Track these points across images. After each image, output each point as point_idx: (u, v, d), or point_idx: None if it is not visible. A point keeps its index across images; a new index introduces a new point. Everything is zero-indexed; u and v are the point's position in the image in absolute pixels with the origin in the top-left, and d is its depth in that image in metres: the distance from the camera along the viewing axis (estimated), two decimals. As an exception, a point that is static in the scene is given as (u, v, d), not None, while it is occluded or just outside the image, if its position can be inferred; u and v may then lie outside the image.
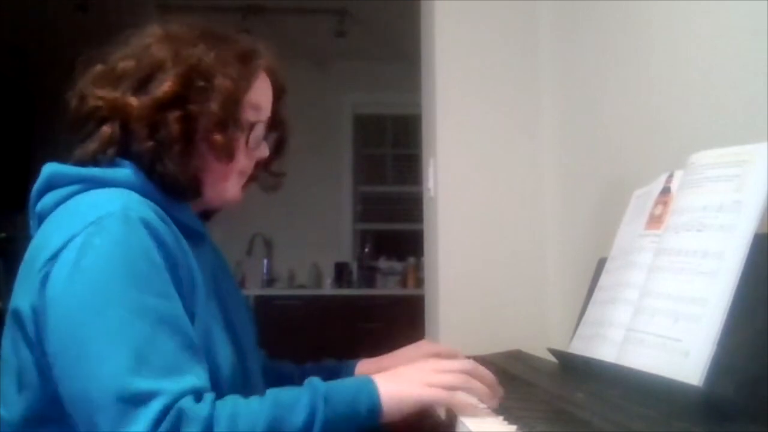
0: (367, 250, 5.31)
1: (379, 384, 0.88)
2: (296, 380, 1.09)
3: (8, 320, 0.92)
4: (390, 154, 5.63)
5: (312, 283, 5.12)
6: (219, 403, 0.82)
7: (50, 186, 0.97)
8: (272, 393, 0.86)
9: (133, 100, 0.98)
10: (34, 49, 4.61)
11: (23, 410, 0.90)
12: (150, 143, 0.97)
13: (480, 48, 1.94)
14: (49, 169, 0.98)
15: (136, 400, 0.78)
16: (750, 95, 1.00)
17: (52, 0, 4.01)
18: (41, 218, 0.96)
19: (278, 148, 1.16)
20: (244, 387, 0.96)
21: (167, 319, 0.85)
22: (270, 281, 5.09)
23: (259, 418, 0.81)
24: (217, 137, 1.00)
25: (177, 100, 0.98)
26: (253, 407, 0.83)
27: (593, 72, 1.65)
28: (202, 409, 0.80)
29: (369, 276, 5.13)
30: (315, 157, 5.05)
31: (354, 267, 5.17)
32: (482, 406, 0.93)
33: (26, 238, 0.98)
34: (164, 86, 0.98)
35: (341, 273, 5.10)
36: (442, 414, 1.02)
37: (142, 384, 0.79)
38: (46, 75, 5.18)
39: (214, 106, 0.99)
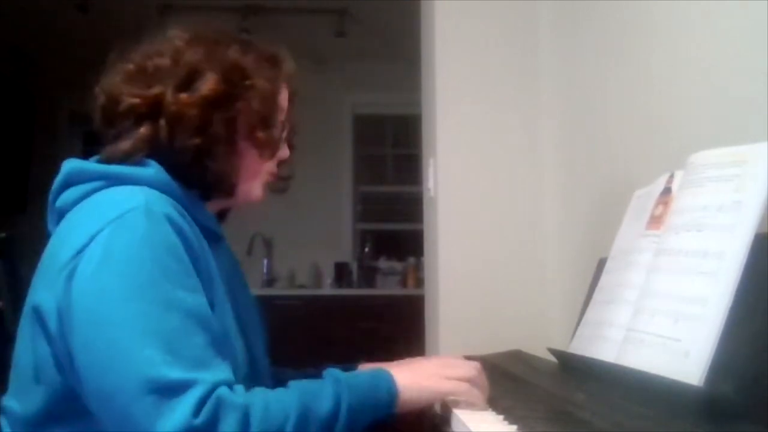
0: (367, 250, 5.31)
1: (395, 374, 0.92)
2: None
3: (26, 316, 0.92)
4: (390, 154, 5.63)
5: (312, 283, 5.11)
6: (250, 393, 0.84)
7: (71, 182, 0.98)
8: (296, 384, 0.89)
9: (184, 97, 0.99)
10: (34, 49, 4.61)
11: (40, 406, 0.90)
12: (197, 140, 0.99)
13: (480, 48, 1.94)
14: (70, 165, 0.99)
15: (173, 390, 0.79)
16: (750, 95, 1.00)
17: (52, 0, 4.01)
18: (61, 214, 0.97)
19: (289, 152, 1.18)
20: (255, 387, 0.96)
21: (195, 314, 0.86)
22: (270, 281, 5.09)
23: (290, 405, 0.84)
24: (261, 135, 1.05)
25: (224, 98, 1.01)
26: (282, 396, 0.86)
27: (593, 72, 1.65)
28: (237, 397, 0.82)
29: (369, 276, 5.12)
30: (315, 157, 5.04)
31: (354, 267, 5.16)
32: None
33: (25, 239, 0.98)
34: (210, 84, 1.00)
35: (341, 273, 5.09)
36: (437, 408, 1.03)
37: (177, 374, 0.80)
38: (46, 75, 5.19)
39: (256, 104, 1.03)
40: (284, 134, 1.12)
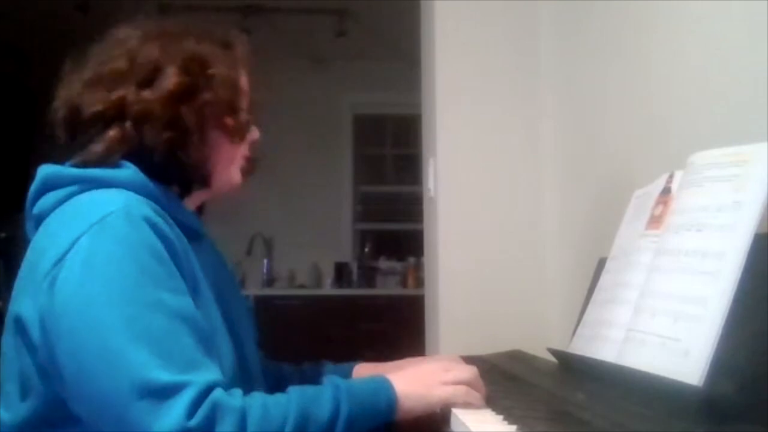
0: (367, 250, 5.31)
1: (395, 382, 0.92)
2: (294, 381, 1.09)
3: (8, 326, 0.91)
4: (390, 154, 5.63)
5: (312, 283, 5.12)
6: (248, 396, 0.84)
7: (47, 187, 0.97)
8: (295, 389, 0.88)
9: (147, 94, 0.99)
10: (34, 49, 4.61)
11: (27, 414, 0.89)
12: (167, 135, 0.98)
13: (480, 48, 1.94)
14: (45, 170, 0.98)
15: (166, 393, 0.79)
16: (750, 95, 1.00)
17: (52, 0, 4.01)
18: (39, 220, 0.96)
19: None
20: (245, 387, 0.97)
21: (182, 315, 0.86)
22: (270, 281, 5.09)
23: (289, 410, 0.83)
24: (229, 121, 1.04)
25: (188, 90, 1.00)
26: (281, 400, 0.85)
27: (594, 72, 1.65)
28: (235, 400, 0.81)
29: (369, 276, 5.13)
30: (315, 157, 5.06)
31: (354, 267, 5.16)
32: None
33: (25, 239, 0.97)
34: (172, 79, 1.00)
35: (341, 273, 5.10)
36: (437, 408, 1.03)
37: (170, 377, 0.79)
38: (46, 75, 5.18)
39: (221, 92, 1.03)
40: (251, 115, 1.11)
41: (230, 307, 1.04)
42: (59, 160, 1.00)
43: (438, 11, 1.95)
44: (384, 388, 0.91)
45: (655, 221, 1.07)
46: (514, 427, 0.81)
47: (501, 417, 0.88)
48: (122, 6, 3.85)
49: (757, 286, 0.79)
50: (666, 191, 1.07)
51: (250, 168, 1.17)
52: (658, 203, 1.08)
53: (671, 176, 1.07)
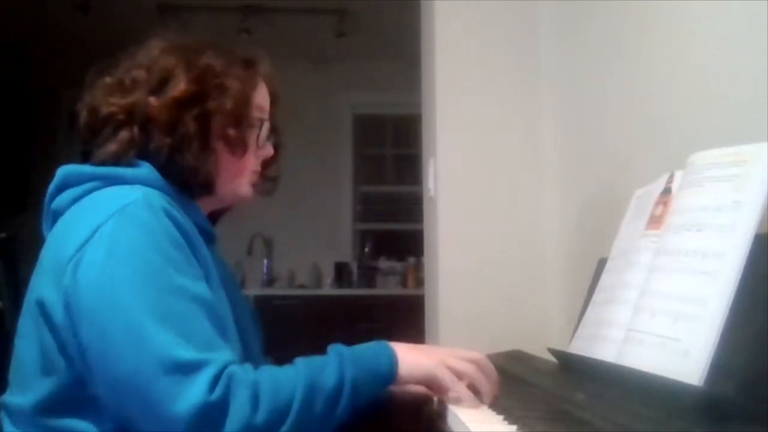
0: (367, 250, 5.31)
1: (396, 347, 0.95)
2: None
3: (28, 312, 0.95)
4: (390, 154, 5.63)
5: (312, 283, 5.11)
6: (259, 370, 0.87)
7: (67, 185, 1.01)
8: (301, 360, 0.92)
9: (153, 100, 1.03)
10: (34, 48, 4.61)
11: (46, 394, 0.91)
12: (169, 140, 1.02)
13: (480, 48, 1.94)
14: (65, 169, 1.02)
15: (189, 369, 0.82)
16: (750, 95, 1.00)
17: (52, 0, 4.01)
18: (56, 215, 1.00)
19: (273, 153, 1.20)
20: None
21: (200, 299, 0.89)
22: (270, 281, 5.09)
23: (297, 380, 0.87)
24: (232, 132, 1.07)
25: (194, 98, 1.04)
26: (289, 372, 0.89)
27: (594, 72, 1.65)
28: (248, 373, 0.85)
29: (369, 276, 5.12)
30: (315, 157, 5.05)
31: (354, 267, 5.16)
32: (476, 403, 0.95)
33: (25, 239, 0.98)
34: (180, 86, 1.04)
35: (341, 273, 5.09)
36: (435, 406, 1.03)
37: (191, 355, 0.83)
38: (46, 75, 5.18)
39: (228, 103, 1.06)
40: (265, 133, 1.14)
41: (237, 313, 1.06)
42: (60, 160, 1.02)
43: (438, 11, 1.95)
44: (385, 351, 0.95)
45: (655, 221, 1.07)
46: (514, 427, 0.81)
47: (501, 417, 0.88)
48: (122, 6, 3.86)
49: (757, 286, 0.79)
50: (666, 191, 1.07)
51: (266, 187, 1.21)
52: (658, 203, 1.08)
53: (671, 176, 1.07)
